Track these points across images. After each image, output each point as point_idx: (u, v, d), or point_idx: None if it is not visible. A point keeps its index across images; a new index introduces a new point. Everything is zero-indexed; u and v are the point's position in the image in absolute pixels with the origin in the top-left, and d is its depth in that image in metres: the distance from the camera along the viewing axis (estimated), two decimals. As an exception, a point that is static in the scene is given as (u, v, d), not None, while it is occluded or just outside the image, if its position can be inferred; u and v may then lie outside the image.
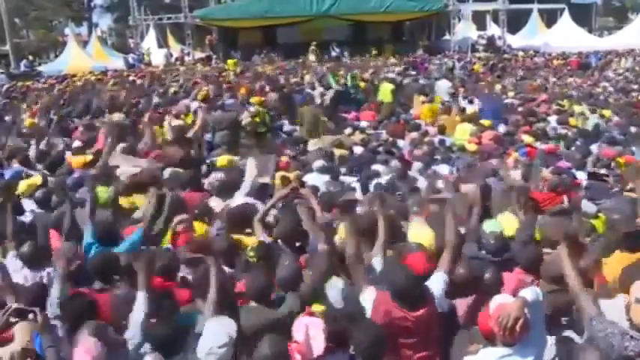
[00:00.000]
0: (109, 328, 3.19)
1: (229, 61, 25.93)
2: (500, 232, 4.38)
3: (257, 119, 10.06)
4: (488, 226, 4.48)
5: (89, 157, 7.05)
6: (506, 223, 4.56)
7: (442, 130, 10.19)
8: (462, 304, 3.74)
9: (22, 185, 5.94)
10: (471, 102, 12.69)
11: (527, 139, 9.02)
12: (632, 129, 10.07)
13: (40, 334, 2.99)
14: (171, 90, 14.94)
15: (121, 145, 7.66)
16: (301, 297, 3.59)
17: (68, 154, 7.71)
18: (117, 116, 11.15)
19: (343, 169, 7.33)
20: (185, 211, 4.93)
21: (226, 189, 5.88)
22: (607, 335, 2.90)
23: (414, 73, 19.38)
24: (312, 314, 3.14)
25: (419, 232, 4.24)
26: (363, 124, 10.94)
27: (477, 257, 4.14)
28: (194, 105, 11.93)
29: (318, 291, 3.72)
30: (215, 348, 2.98)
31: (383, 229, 4.15)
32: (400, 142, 9.28)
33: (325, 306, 3.63)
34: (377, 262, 3.96)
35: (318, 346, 2.98)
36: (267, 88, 13.78)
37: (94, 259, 4.02)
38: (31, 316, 2.99)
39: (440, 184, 5.82)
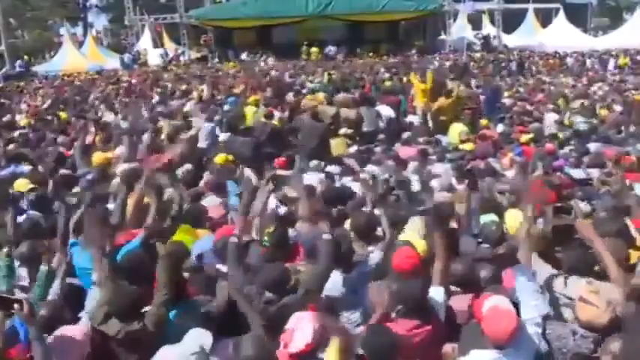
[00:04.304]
0: None
1: (228, 64, 26.13)
2: (500, 222, 4.38)
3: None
4: (487, 217, 4.48)
5: (110, 155, 7.09)
6: (511, 219, 4.52)
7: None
8: (461, 301, 3.65)
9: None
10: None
11: (523, 138, 9.00)
12: (629, 128, 10.08)
13: (26, 324, 2.96)
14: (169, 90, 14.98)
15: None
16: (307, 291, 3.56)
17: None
18: (110, 116, 11.19)
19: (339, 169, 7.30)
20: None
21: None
22: (560, 336, 3.07)
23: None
24: (314, 309, 3.11)
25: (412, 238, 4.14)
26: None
27: (474, 253, 4.11)
28: (190, 105, 11.97)
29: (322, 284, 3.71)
30: (188, 355, 3.00)
31: (388, 230, 4.14)
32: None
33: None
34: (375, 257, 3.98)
35: (301, 339, 2.91)
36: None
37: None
38: (16, 306, 2.91)
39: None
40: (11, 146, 8.65)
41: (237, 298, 3.45)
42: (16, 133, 9.61)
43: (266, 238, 4.14)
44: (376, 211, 4.54)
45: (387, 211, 4.48)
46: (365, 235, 4.28)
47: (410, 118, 11.16)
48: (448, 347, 3.21)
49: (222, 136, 8.90)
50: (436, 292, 3.48)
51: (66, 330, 3.28)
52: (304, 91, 13.79)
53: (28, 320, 2.94)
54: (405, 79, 14.88)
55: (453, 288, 3.67)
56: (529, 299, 3.16)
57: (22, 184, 5.99)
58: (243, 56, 29.18)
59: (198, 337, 3.12)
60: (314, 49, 29.23)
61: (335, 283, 3.86)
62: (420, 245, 3.90)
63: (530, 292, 3.19)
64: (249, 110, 10.54)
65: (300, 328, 2.93)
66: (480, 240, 4.35)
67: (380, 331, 3.11)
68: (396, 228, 4.36)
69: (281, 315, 3.26)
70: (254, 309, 3.36)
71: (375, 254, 4.06)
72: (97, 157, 6.94)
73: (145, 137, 8.17)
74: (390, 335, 3.06)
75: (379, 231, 4.43)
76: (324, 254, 3.70)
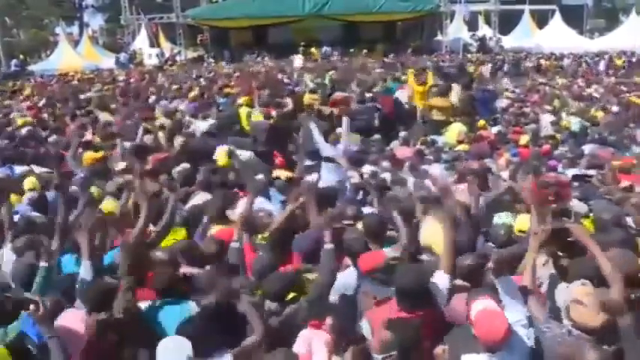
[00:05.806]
0: None
1: (219, 64, 26.09)
2: (511, 225, 4.35)
3: None
4: (501, 217, 4.45)
5: (100, 154, 7.07)
6: (521, 222, 4.44)
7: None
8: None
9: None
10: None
11: (522, 140, 9.01)
12: (625, 130, 10.11)
13: (38, 324, 3.00)
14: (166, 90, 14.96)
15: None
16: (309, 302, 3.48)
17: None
18: (105, 116, 11.16)
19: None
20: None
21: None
22: (555, 336, 2.98)
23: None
24: (317, 326, 3.07)
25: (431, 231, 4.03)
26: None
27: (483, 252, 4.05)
28: (184, 105, 11.98)
29: (324, 294, 3.63)
30: None
31: (404, 232, 4.09)
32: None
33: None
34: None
35: None
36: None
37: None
38: (32, 307, 2.97)
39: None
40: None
41: (246, 308, 3.29)
42: (24, 131, 9.61)
43: (263, 241, 4.11)
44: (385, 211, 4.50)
45: (396, 206, 4.44)
46: (376, 237, 4.17)
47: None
48: (439, 349, 3.17)
49: (203, 126, 8.83)
50: (440, 278, 3.45)
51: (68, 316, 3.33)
52: (297, 89, 13.80)
53: (41, 320, 3.00)
54: (403, 77, 14.88)
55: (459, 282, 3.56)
56: (512, 302, 3.12)
57: (30, 183, 6.00)
58: (245, 58, 29.08)
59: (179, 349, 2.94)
60: (313, 50, 29.21)
61: (352, 283, 3.82)
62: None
63: (512, 295, 3.15)
64: (243, 111, 10.51)
65: (316, 352, 2.91)
66: (487, 239, 4.34)
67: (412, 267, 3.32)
68: (410, 224, 4.29)
69: (283, 326, 3.25)
70: (260, 319, 3.23)
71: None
72: (87, 156, 6.94)
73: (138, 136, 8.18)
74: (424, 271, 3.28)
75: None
76: (326, 264, 3.65)
